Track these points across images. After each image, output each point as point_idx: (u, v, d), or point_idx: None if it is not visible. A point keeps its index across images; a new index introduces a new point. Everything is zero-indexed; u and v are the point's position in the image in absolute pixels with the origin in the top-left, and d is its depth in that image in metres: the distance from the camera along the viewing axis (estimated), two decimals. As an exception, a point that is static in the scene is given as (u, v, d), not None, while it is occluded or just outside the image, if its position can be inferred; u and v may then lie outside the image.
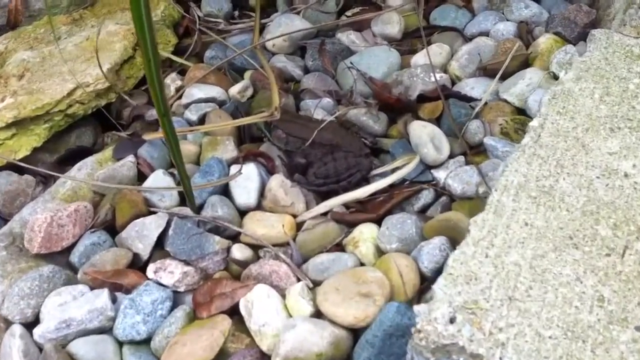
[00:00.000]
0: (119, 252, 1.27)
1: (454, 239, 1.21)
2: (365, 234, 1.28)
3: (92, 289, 1.20)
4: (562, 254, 0.96)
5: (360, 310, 1.10)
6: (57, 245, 1.28)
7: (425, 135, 1.40)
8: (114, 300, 1.18)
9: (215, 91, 1.61)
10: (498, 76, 1.53)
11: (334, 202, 1.32)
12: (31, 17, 1.84)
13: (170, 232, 1.28)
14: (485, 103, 1.50)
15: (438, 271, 1.18)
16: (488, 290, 0.91)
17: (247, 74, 1.71)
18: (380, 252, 1.27)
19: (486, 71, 1.58)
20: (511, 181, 1.06)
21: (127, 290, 1.22)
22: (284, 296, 1.18)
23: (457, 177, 1.34)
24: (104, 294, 1.18)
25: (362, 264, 1.25)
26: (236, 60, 1.73)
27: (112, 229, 1.30)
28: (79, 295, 1.21)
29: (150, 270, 1.24)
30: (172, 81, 1.68)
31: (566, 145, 1.12)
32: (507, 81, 1.53)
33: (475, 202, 1.31)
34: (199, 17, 1.87)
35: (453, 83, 1.62)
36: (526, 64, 1.57)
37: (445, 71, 1.65)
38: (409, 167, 1.34)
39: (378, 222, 1.31)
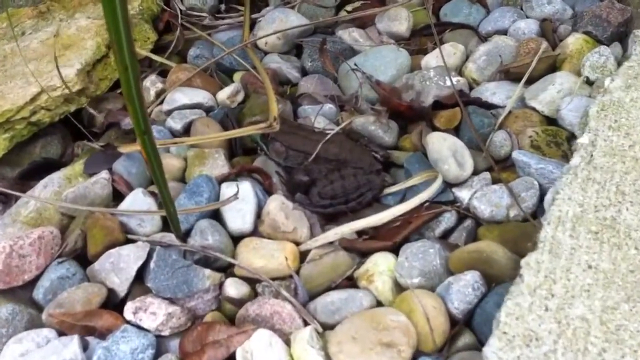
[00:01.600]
0: (91, 288, 1.08)
1: (488, 274, 1.04)
2: (381, 266, 1.10)
3: (59, 333, 1.04)
4: (638, 305, 0.78)
5: (383, 364, 0.92)
6: (18, 279, 1.11)
7: (445, 149, 1.22)
8: (85, 347, 1.03)
9: (201, 96, 1.42)
10: (523, 80, 1.36)
11: (347, 229, 1.13)
12: (-9, 10, 1.63)
13: (152, 264, 1.08)
14: (509, 111, 1.32)
15: (470, 313, 1.01)
16: (553, 354, 0.73)
17: (237, 76, 1.52)
18: (398, 286, 1.09)
19: (508, 74, 1.41)
20: (565, 212, 0.89)
21: (101, 335, 1.05)
22: (288, 342, 1.00)
23: (485, 198, 1.17)
24: (73, 342, 1.00)
25: (378, 303, 1.06)
26: (224, 60, 1.54)
27: (84, 259, 1.14)
28: (44, 342, 1.02)
29: (128, 310, 1.05)
30: (151, 84, 1.48)
31: (624, 167, 0.95)
32: (533, 86, 1.36)
33: (505, 228, 1.14)
34: (181, 10, 1.67)
35: (470, 88, 1.44)
36: (554, 67, 1.40)
37: (460, 74, 1.47)
38: (432, 187, 1.16)
39: (394, 250, 1.13)
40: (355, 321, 0.99)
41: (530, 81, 1.37)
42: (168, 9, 1.67)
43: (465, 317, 1.01)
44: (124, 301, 1.07)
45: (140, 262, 1.09)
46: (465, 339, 1.00)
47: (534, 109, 1.32)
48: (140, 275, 1.10)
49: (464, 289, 1.01)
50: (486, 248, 1.05)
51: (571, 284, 0.80)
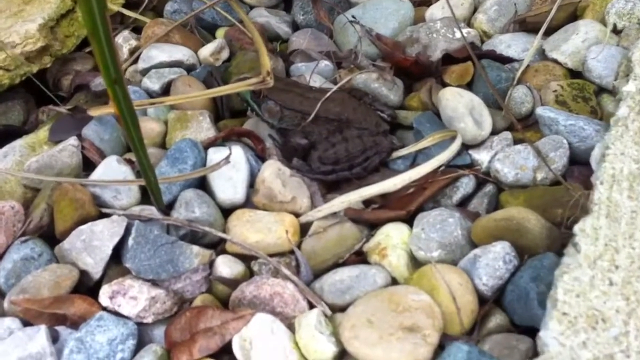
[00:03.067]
0: (60, 270, 0.95)
1: (519, 245, 0.90)
2: (394, 238, 0.96)
3: (24, 323, 0.92)
4: None
5: (407, 352, 0.78)
6: (-26, 262, 0.94)
7: (462, 106, 1.08)
8: (54, 339, 0.91)
9: (181, 53, 1.26)
10: (542, 31, 1.22)
11: (355, 197, 0.98)
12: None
13: (131, 241, 0.94)
14: (528, 65, 1.19)
15: (500, 289, 0.87)
16: (625, 338, 0.60)
17: (220, 32, 1.37)
18: (414, 261, 0.95)
19: (524, 25, 1.27)
20: (620, 169, 0.76)
21: (74, 324, 0.92)
22: (291, 327, 0.86)
23: (508, 160, 1.03)
24: (40, 333, 0.87)
25: (393, 280, 0.92)
26: (205, 14, 1.38)
27: (51, 237, 1.01)
28: (6, 333, 0.91)
29: (104, 294, 0.92)
30: (124, 41, 1.33)
31: (680, 115, 0.81)
32: (553, 37, 1.22)
33: (532, 192, 1.01)
34: (155, -39, 1.50)
35: (481, 41, 1.29)
36: (574, 15, 1.26)
37: (469, 26, 1.33)
38: (452, 148, 1.02)
39: (407, 221, 0.99)
40: (370, 302, 0.85)
41: (548, 32, 1.24)
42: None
43: (494, 294, 0.88)
44: (99, 284, 0.95)
45: (116, 239, 0.95)
46: (497, 319, 0.87)
47: (556, 61, 1.18)
48: (117, 254, 0.97)
49: (493, 262, 0.88)
50: (517, 215, 0.91)
51: (637, 252, 0.67)
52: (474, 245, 0.95)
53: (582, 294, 0.64)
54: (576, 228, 0.71)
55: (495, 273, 0.87)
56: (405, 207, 0.99)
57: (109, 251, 0.94)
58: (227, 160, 0.91)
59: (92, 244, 0.95)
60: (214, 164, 0.95)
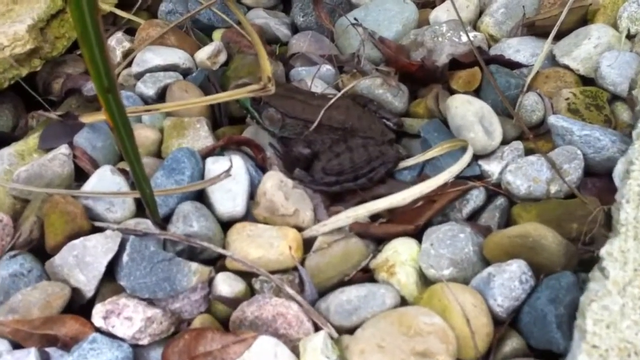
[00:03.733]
0: (51, 287, 0.90)
1: (534, 263, 0.86)
2: (402, 254, 0.92)
3: (13, 345, 0.87)
4: None
5: (420, 380, 0.74)
6: (-39, 278, 0.90)
7: (471, 114, 1.03)
8: None
9: (176, 56, 1.21)
10: (552, 35, 1.18)
11: (363, 211, 0.94)
12: None
13: (126, 258, 0.89)
14: (537, 71, 1.14)
15: (516, 311, 0.83)
16: (662, 374, 0.56)
17: (217, 34, 1.32)
18: (423, 278, 0.91)
19: (533, 28, 1.22)
20: (647, 186, 0.71)
21: (65, 345, 0.88)
22: (295, 351, 0.81)
23: (520, 172, 0.99)
24: (30, 357, 0.81)
25: (402, 299, 0.88)
26: (201, 15, 1.33)
27: (41, 251, 0.96)
28: None
29: (97, 314, 0.87)
30: (117, 43, 1.28)
31: None
32: (563, 42, 1.18)
33: (546, 206, 0.96)
34: (149, -40, 1.44)
35: (488, 45, 1.25)
36: (584, 19, 1.22)
37: (475, 29, 1.28)
38: (463, 159, 0.98)
39: (416, 235, 0.95)
40: (379, 324, 0.81)
41: (557, 36, 1.19)
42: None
43: (510, 315, 0.84)
44: (91, 303, 0.90)
45: (110, 256, 0.90)
46: (513, 342, 0.83)
47: (567, 67, 1.14)
48: (111, 270, 0.91)
49: (509, 282, 0.84)
50: (533, 232, 0.87)
51: (669, 279, 0.63)
52: (486, 262, 0.91)
53: (613, 325, 0.60)
54: (603, 251, 0.67)
55: (511, 294, 0.83)
56: (413, 222, 0.95)
57: (102, 268, 0.89)
58: (227, 173, 0.87)
59: (84, 260, 0.89)
60: (214, 177, 0.90)
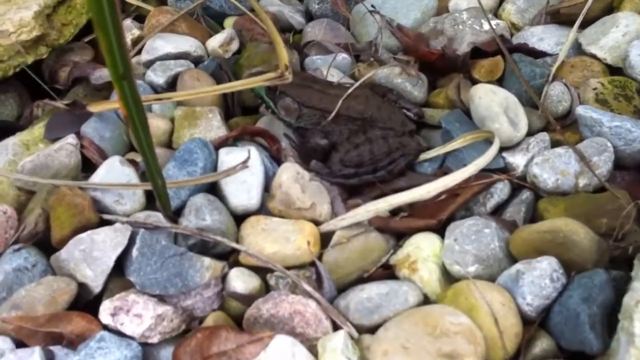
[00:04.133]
0: (56, 283, 0.86)
1: (564, 260, 0.82)
2: (425, 250, 0.87)
3: (16, 344, 0.83)
4: None
5: (447, 383, 0.70)
6: (-37, 272, 0.87)
7: (496, 104, 0.99)
8: None
9: (188, 44, 1.17)
10: (578, 23, 1.13)
11: (384, 205, 0.90)
12: None
13: (135, 252, 0.85)
14: (562, 60, 1.10)
15: (546, 310, 0.79)
16: None
17: (229, 21, 1.29)
18: (446, 275, 0.86)
19: (556, 16, 1.18)
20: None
21: (71, 342, 0.84)
22: (313, 350, 0.78)
23: (547, 165, 0.94)
24: (34, 356, 0.78)
25: (425, 297, 0.84)
26: (212, 2, 1.29)
27: (47, 245, 0.92)
28: None
29: (105, 311, 0.83)
30: (126, 30, 1.24)
31: None
32: (590, 30, 1.13)
33: (574, 200, 0.92)
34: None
35: (510, 33, 1.20)
36: (610, 7, 1.18)
37: (496, 16, 1.24)
38: (490, 151, 0.93)
39: (438, 230, 0.91)
40: (403, 324, 0.77)
41: (582, 24, 1.15)
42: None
43: (539, 315, 0.80)
44: (99, 299, 0.86)
45: (119, 250, 0.86)
46: (543, 343, 0.79)
47: (594, 56, 1.10)
48: (120, 265, 0.87)
49: (539, 279, 0.79)
50: (564, 227, 0.83)
51: None
52: (512, 258, 0.87)
53: (663, 328, 0.55)
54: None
55: (542, 292, 0.79)
56: (436, 216, 0.91)
57: (110, 263, 0.85)
58: (244, 164, 0.82)
59: (92, 255, 0.86)
60: (229, 169, 0.86)
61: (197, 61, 1.17)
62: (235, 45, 1.20)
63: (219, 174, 0.90)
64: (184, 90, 1.06)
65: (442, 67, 1.14)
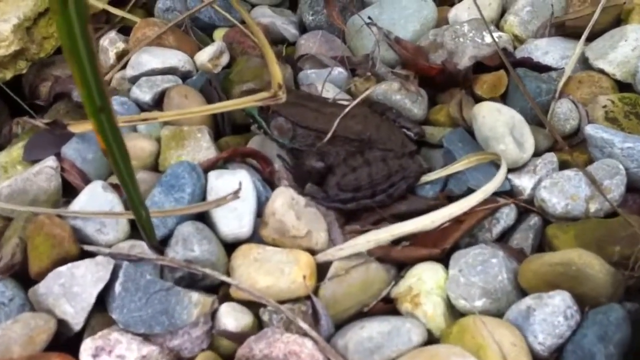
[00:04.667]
0: (34, 320, 0.81)
1: (577, 294, 0.77)
2: (428, 282, 0.82)
3: None
4: None
5: None
6: None
7: (501, 124, 0.94)
8: None
9: (175, 58, 1.11)
10: (585, 36, 1.08)
11: (385, 236, 0.85)
12: None
13: (118, 287, 0.80)
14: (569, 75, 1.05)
15: (559, 350, 0.74)
16: None
17: (219, 33, 1.23)
18: (451, 308, 0.81)
19: (561, 29, 1.13)
20: None
21: None
22: (310, 395, 0.72)
23: (556, 188, 0.89)
24: None
25: (429, 333, 0.79)
26: (202, 13, 1.23)
27: (24, 277, 0.86)
28: None
29: (86, 351, 0.79)
30: (110, 44, 1.17)
31: None
32: (596, 43, 1.08)
33: (584, 226, 0.87)
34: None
35: (513, 46, 1.15)
36: (618, 19, 1.13)
37: (498, 28, 1.18)
38: (498, 176, 0.88)
39: (441, 259, 0.85)
40: (407, 367, 0.71)
41: (589, 37, 1.09)
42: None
43: (552, 355, 0.75)
44: (80, 336, 0.80)
45: (101, 285, 0.80)
46: (556, 388, 0.73)
47: (602, 71, 1.04)
48: (103, 300, 0.81)
49: (552, 317, 0.74)
50: (577, 259, 0.77)
51: None
52: (520, 291, 0.82)
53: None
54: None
55: (555, 331, 0.74)
56: (439, 245, 0.85)
57: (92, 300, 0.79)
58: (235, 195, 0.77)
59: (72, 290, 0.80)
60: (219, 198, 0.80)
61: (185, 76, 1.11)
62: (225, 59, 1.14)
63: (208, 203, 0.84)
64: (171, 108, 1.01)
65: (442, 82, 1.08)
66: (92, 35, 0.51)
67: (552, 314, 0.74)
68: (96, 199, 0.88)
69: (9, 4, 1.14)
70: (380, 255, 0.85)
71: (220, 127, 1.04)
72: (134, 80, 1.09)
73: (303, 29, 1.25)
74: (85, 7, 0.49)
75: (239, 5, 1.15)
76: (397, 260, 0.86)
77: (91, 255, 0.83)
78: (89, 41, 0.51)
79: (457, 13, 1.21)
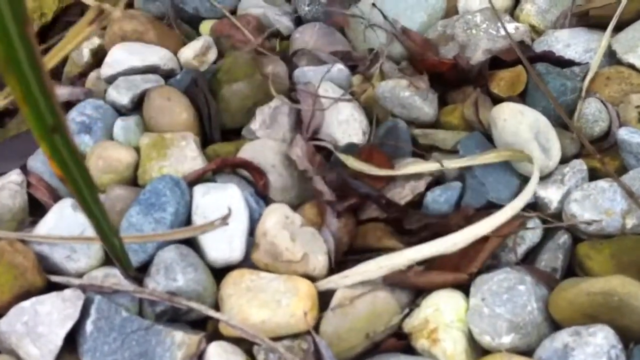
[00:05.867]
0: None
1: (619, 327, 0.66)
2: (446, 314, 0.72)
3: None
4: None
5: None
6: None
7: (525, 128, 0.83)
8: None
9: (157, 55, 1.00)
10: (611, 26, 0.97)
11: (400, 261, 0.73)
12: None
13: (90, 326, 0.69)
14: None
15: (601, 396, 0.63)
16: None
17: (205, 26, 1.11)
18: (472, 342, 0.71)
19: (585, 19, 1.02)
20: None
21: None
22: None
23: (588, 202, 0.79)
24: None
25: (448, 375, 0.68)
26: (186, 4, 1.11)
27: None
28: None
29: None
30: (85, 39, 1.04)
31: None
32: (624, 35, 0.97)
33: (621, 244, 0.77)
34: (124, -62, 1.22)
35: (531, 38, 1.04)
36: (646, 7, 1.02)
37: (514, 18, 1.07)
38: (528, 189, 0.78)
39: (462, 285, 0.75)
40: (427, 422, 0.61)
41: (616, 28, 0.99)
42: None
43: (593, 402, 0.64)
44: (47, 380, 0.67)
45: (69, 325, 0.69)
46: None
47: (632, 66, 0.94)
48: (73, 339, 0.70)
49: (594, 358, 0.63)
50: (620, 289, 0.67)
51: None
52: (551, 321, 0.71)
53: None
54: None
55: (597, 374, 0.63)
56: (465, 268, 0.74)
57: (59, 342, 0.68)
58: (224, 220, 0.66)
59: (36, 330, 0.69)
60: (206, 224, 0.69)
61: (168, 75, 0.99)
62: (212, 55, 1.03)
63: (194, 228, 0.73)
64: (152, 112, 0.89)
65: (454, 79, 0.98)
66: (34, 38, 0.40)
67: (594, 356, 0.64)
68: (65, 221, 0.77)
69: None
70: (396, 280, 0.74)
71: (207, 132, 0.93)
72: (110, 80, 0.97)
73: (298, 21, 1.13)
74: (22, 4, 0.38)
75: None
76: (416, 286, 0.75)
77: (59, 287, 0.73)
78: (31, 46, 0.40)
79: (468, 2, 1.10)
